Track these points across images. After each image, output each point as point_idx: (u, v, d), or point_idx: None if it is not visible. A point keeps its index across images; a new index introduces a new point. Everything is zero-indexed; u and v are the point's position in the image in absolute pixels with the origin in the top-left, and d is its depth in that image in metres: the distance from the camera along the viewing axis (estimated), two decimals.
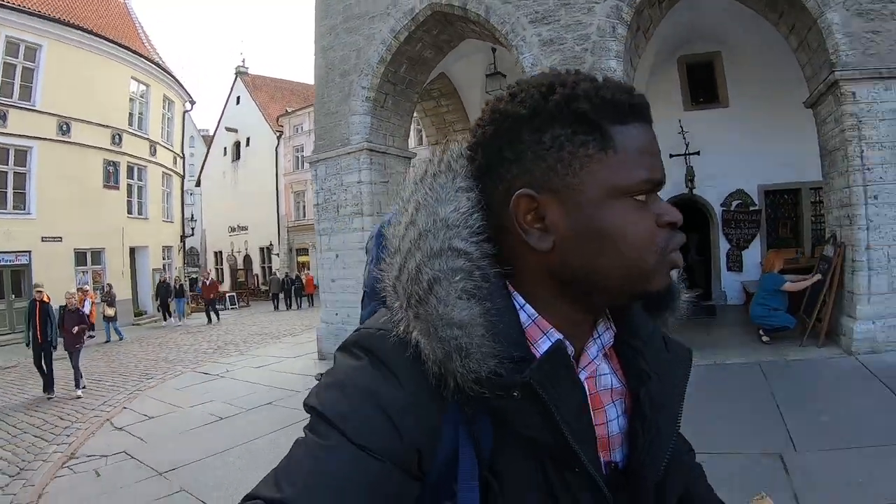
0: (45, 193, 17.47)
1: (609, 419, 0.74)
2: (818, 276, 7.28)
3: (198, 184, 37.59)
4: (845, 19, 6.34)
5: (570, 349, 0.70)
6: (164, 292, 20.11)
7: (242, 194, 34.08)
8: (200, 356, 11.63)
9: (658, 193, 0.68)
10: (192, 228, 27.73)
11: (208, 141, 40.01)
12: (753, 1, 7.84)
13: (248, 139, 34.54)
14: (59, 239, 17.83)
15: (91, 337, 12.62)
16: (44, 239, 17.41)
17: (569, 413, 0.64)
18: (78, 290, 12.27)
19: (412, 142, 16.96)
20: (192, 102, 24.89)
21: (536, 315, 0.69)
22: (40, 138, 17.40)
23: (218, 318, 19.88)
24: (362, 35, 9.32)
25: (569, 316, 0.70)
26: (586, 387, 0.71)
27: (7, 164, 16.87)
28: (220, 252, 37.27)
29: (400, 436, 0.60)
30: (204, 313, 20.42)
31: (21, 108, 17.04)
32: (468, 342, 0.60)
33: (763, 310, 7.63)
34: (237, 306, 26.70)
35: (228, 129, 35.23)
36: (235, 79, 35.47)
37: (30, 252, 17.17)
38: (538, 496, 0.66)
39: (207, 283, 21.42)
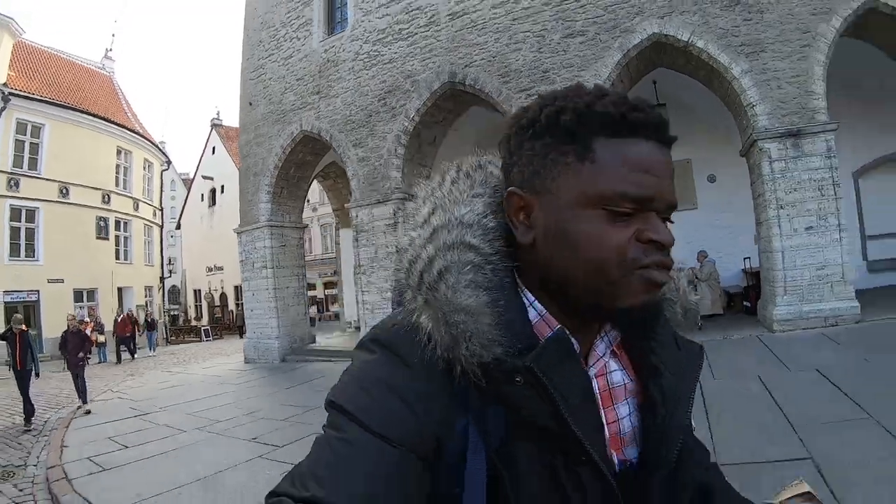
0: (49, 244, 22.60)
1: (620, 416, 0.76)
2: None
3: (178, 227, 42.39)
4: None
5: (576, 345, 0.71)
6: (131, 327, 21.63)
7: (218, 237, 34.89)
8: (168, 366, 16.66)
9: (663, 216, 0.69)
10: (171, 270, 32.69)
11: (188, 184, 44.61)
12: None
13: (222, 186, 37.32)
14: (62, 280, 22.90)
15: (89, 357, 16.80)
16: (49, 280, 22.47)
17: (573, 400, 0.66)
18: (76, 317, 15.81)
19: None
20: (169, 162, 30.50)
21: (545, 311, 0.72)
22: (45, 200, 22.67)
23: (132, 357, 20.18)
24: (264, 148, 14.41)
25: (572, 316, 0.72)
26: (596, 384, 0.74)
27: (20, 221, 22.05)
28: (199, 290, 41.39)
29: (418, 424, 0.64)
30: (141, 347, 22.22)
31: (30, 176, 22.26)
32: (475, 328, 0.64)
33: None
34: (211, 338, 31.47)
35: (205, 177, 39.71)
36: (211, 130, 40.28)
37: (38, 291, 22.23)
38: (546, 485, 0.69)
39: (119, 319, 21.01)
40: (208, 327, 33.02)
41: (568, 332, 0.70)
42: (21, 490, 5.57)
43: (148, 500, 4.62)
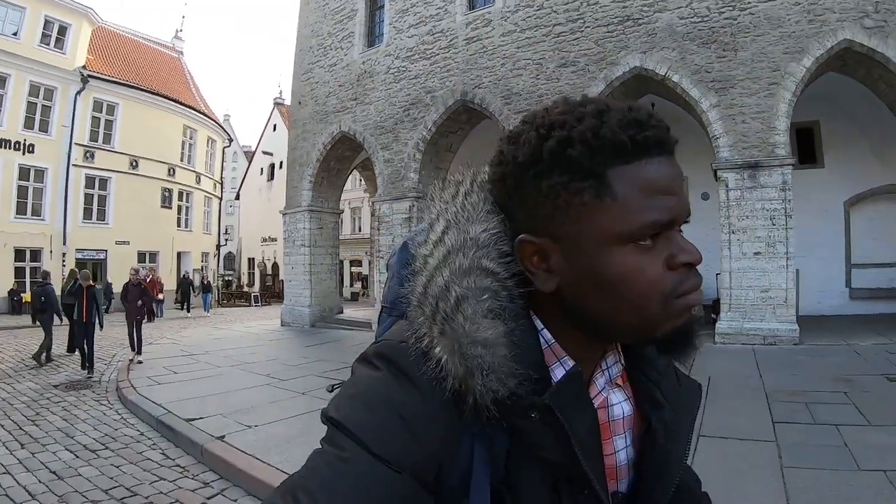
0: (119, 210, 26.02)
1: (617, 449, 0.77)
2: None
3: (237, 197, 46.31)
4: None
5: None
6: (186, 287, 25.19)
7: (274, 210, 38.40)
8: (217, 324, 19.40)
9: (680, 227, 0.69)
10: (227, 237, 35.96)
11: (249, 157, 48.53)
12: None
13: (280, 162, 39.92)
14: (128, 242, 26.31)
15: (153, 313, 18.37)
16: (117, 242, 25.94)
17: (582, 436, 0.67)
18: (149, 271, 17.65)
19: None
20: (231, 140, 33.75)
21: (553, 341, 0.72)
22: (117, 171, 26.07)
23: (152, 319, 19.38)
24: (309, 143, 16.77)
25: (579, 345, 0.73)
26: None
27: (94, 189, 25.48)
28: (253, 258, 45.36)
29: (420, 447, 0.63)
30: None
31: (104, 149, 25.63)
32: (491, 361, 0.63)
33: None
34: (260, 304, 34.71)
35: (265, 153, 43.59)
36: (273, 108, 43.96)
37: (107, 251, 25.68)
38: None
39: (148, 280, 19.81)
40: (258, 293, 36.01)
41: (578, 366, 0.72)
42: (97, 394, 8.01)
43: (185, 400, 6.89)
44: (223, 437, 5.41)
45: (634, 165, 0.64)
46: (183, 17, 61.66)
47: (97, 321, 9.82)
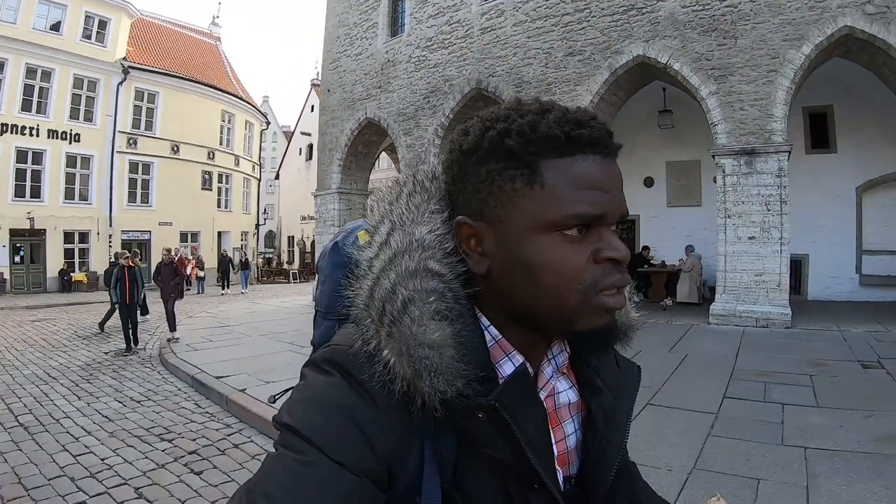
0: (162, 192, 27.68)
1: (567, 434, 0.81)
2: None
3: (276, 177, 47.93)
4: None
5: (530, 370, 0.75)
6: (225, 265, 25.78)
7: (312, 189, 40.33)
8: (255, 299, 20.81)
9: (612, 227, 0.71)
10: (266, 217, 37.46)
11: (289, 137, 49.97)
12: None
13: None
14: (170, 223, 28.03)
15: (187, 290, 20.09)
16: (160, 223, 27.65)
17: (530, 433, 0.69)
18: (175, 250, 17.47)
19: None
20: (268, 123, 35.14)
21: (500, 336, 0.74)
22: (159, 156, 27.72)
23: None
24: (338, 129, 17.76)
25: (523, 338, 0.74)
26: (546, 405, 0.77)
27: (137, 174, 27.17)
28: (293, 236, 46.79)
29: (373, 451, 0.64)
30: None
31: (146, 136, 27.25)
32: (439, 363, 0.65)
33: None
34: (298, 281, 36.24)
35: (303, 133, 44.72)
36: (311, 90, 45.01)
37: (150, 231, 27.43)
38: None
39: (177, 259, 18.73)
40: (297, 270, 37.57)
41: (527, 365, 0.74)
42: (141, 359, 9.24)
43: (217, 362, 8.02)
44: (244, 389, 6.50)
45: (568, 160, 0.67)
46: (219, 2, 63.35)
47: (140, 302, 10.26)
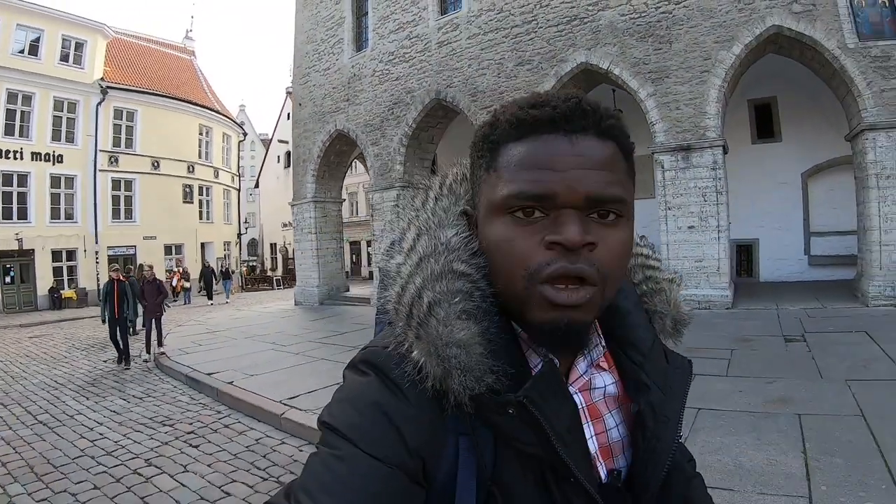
0: (145, 207, 28.66)
1: (608, 427, 0.80)
2: None
3: (256, 185, 48.78)
4: None
5: (556, 363, 0.75)
6: (208, 276, 26.07)
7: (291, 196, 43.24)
8: (239, 306, 21.86)
9: (581, 212, 0.68)
10: (248, 225, 38.40)
11: (267, 145, 50.78)
12: None
13: None
14: (154, 237, 29.04)
15: (174, 302, 21.45)
16: (144, 237, 28.61)
17: (560, 427, 0.69)
18: (151, 267, 19.92)
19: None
20: (245, 134, 36.22)
21: (519, 330, 0.75)
22: (140, 172, 28.67)
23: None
24: (310, 141, 18.79)
25: None
26: (581, 398, 0.78)
27: (120, 190, 28.10)
28: (275, 243, 47.73)
29: (406, 445, 0.66)
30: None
31: (126, 153, 28.20)
32: (467, 360, 0.66)
33: None
34: (282, 287, 37.18)
35: (280, 141, 45.69)
36: (286, 98, 45.95)
37: (136, 246, 28.38)
38: (539, 503, 0.72)
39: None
40: (280, 277, 38.62)
41: (554, 359, 0.74)
42: (138, 365, 10.27)
43: (207, 362, 9.10)
44: (232, 382, 7.61)
45: (522, 142, 0.69)
46: (192, 17, 64.20)
47: (131, 318, 10.44)
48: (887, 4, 10.47)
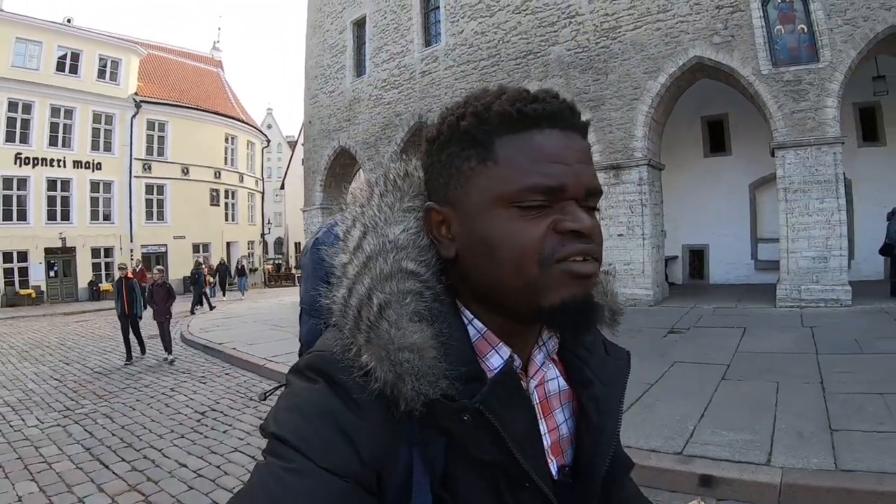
0: (175, 210, 32.26)
1: (559, 423, 0.82)
2: None
3: (282, 186, 52.42)
4: None
5: (518, 361, 0.77)
6: (222, 272, 28.83)
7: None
8: (257, 299, 25.12)
9: (578, 203, 0.70)
10: (270, 225, 41.85)
11: (293, 146, 53.96)
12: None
13: None
14: (184, 237, 32.66)
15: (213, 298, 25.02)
16: (174, 237, 32.27)
17: (518, 433, 0.70)
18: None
19: None
20: (268, 141, 39.96)
21: (485, 329, 0.75)
22: (171, 178, 32.29)
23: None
24: (318, 155, 21.80)
25: (507, 327, 0.75)
26: (537, 394, 0.79)
27: (153, 194, 31.73)
28: (299, 242, 51.04)
29: (360, 456, 0.65)
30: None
31: (159, 161, 31.86)
32: (420, 365, 0.65)
33: None
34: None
35: (304, 145, 49.15)
36: None
37: (166, 245, 32.04)
38: None
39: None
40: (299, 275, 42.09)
41: (515, 356, 0.76)
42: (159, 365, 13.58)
43: (221, 337, 12.27)
44: (235, 348, 10.75)
45: (522, 135, 0.69)
46: (219, 28, 68.76)
47: (139, 314, 10.79)
48: (805, 31, 11.61)
